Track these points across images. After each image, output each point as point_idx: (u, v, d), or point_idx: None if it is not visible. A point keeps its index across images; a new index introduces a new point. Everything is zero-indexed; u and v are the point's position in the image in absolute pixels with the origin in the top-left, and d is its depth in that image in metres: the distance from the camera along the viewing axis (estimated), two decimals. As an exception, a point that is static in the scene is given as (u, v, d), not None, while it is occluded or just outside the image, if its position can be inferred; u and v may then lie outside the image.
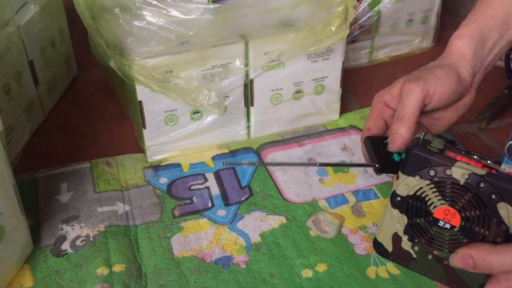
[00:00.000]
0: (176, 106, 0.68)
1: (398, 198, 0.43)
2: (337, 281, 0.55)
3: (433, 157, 0.41)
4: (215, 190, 0.66)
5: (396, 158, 0.47)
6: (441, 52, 0.53)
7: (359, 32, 0.89)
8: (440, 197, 0.41)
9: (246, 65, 0.68)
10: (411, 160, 0.41)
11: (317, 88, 0.74)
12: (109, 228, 0.61)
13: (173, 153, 0.72)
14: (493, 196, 0.39)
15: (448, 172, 0.40)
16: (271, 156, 0.72)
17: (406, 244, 0.44)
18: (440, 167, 0.40)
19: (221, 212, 0.63)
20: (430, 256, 0.44)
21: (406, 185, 0.42)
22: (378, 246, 0.46)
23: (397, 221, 0.44)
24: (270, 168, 0.70)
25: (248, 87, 0.71)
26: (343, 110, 0.80)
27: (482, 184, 0.39)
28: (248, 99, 0.72)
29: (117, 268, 0.56)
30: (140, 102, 0.66)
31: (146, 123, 0.68)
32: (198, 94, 0.65)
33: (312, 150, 0.73)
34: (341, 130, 0.76)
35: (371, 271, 0.56)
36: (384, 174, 0.68)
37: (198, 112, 0.70)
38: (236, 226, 0.62)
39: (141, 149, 0.73)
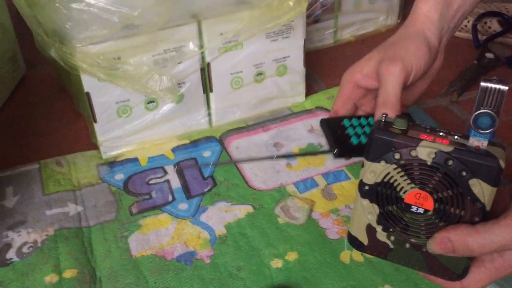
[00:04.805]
0: (128, 96, 0.63)
1: (366, 187, 0.39)
2: (309, 270, 0.51)
3: (396, 139, 0.37)
4: (175, 183, 0.62)
5: (355, 141, 0.45)
6: None
7: (321, 11, 0.85)
8: (409, 181, 0.38)
9: (201, 47, 0.63)
10: (374, 145, 0.38)
11: (279, 69, 0.70)
12: (59, 231, 0.55)
13: (130, 147, 0.67)
14: (464, 173, 0.36)
15: (413, 153, 0.37)
16: (235, 143, 0.68)
17: (381, 235, 0.41)
18: (405, 149, 0.37)
19: (183, 206, 0.59)
20: (407, 245, 0.40)
21: (373, 172, 0.39)
22: (353, 240, 0.43)
23: (368, 212, 0.40)
24: (234, 157, 0.65)
25: (205, 72, 0.66)
26: (309, 92, 0.76)
27: (450, 162, 0.36)
28: (207, 85, 0.67)
29: (68, 274, 0.51)
30: (87, 93, 0.61)
31: (96, 116, 0.63)
32: (149, 79, 0.60)
33: (278, 135, 0.69)
34: (308, 112, 0.73)
35: (345, 256, 0.52)
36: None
37: (153, 102, 0.65)
38: (199, 219, 0.57)
39: (95, 146, 0.67)
